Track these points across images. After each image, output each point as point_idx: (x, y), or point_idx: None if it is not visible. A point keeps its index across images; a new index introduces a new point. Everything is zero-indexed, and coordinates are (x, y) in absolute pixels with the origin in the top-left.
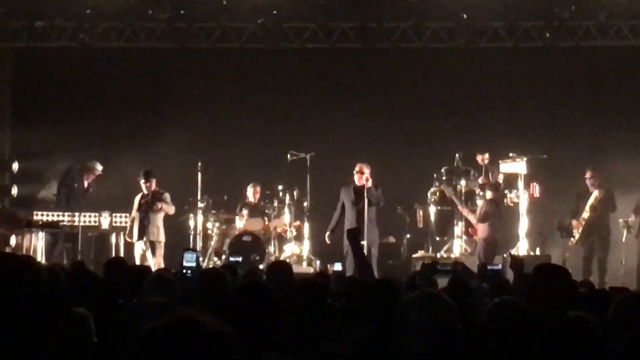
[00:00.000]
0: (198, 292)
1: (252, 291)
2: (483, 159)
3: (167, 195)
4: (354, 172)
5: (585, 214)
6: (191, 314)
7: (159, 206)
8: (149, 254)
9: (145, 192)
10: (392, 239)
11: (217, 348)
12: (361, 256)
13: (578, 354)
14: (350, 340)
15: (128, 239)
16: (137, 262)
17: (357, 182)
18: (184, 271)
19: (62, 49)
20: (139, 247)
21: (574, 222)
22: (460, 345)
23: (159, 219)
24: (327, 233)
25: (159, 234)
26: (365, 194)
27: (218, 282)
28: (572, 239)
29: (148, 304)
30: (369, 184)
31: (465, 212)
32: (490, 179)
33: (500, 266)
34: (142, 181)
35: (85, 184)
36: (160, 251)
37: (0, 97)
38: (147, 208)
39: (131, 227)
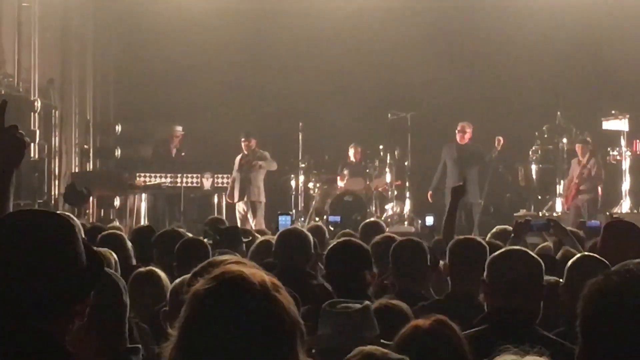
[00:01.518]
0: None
1: (343, 246)
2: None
3: (266, 154)
4: (456, 130)
5: None
6: (241, 272)
7: (259, 164)
8: (250, 214)
9: (245, 152)
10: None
11: (263, 303)
12: (451, 215)
13: None
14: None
15: (229, 200)
16: (238, 223)
17: (458, 141)
18: None
19: (164, 12)
20: (240, 207)
21: None
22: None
23: (259, 179)
24: (429, 192)
25: (260, 194)
26: (489, 157)
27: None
28: None
29: None
30: (499, 147)
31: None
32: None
33: (599, 223)
34: (242, 139)
35: (174, 151)
36: (261, 212)
37: (104, 62)
38: (248, 168)
39: (232, 187)
